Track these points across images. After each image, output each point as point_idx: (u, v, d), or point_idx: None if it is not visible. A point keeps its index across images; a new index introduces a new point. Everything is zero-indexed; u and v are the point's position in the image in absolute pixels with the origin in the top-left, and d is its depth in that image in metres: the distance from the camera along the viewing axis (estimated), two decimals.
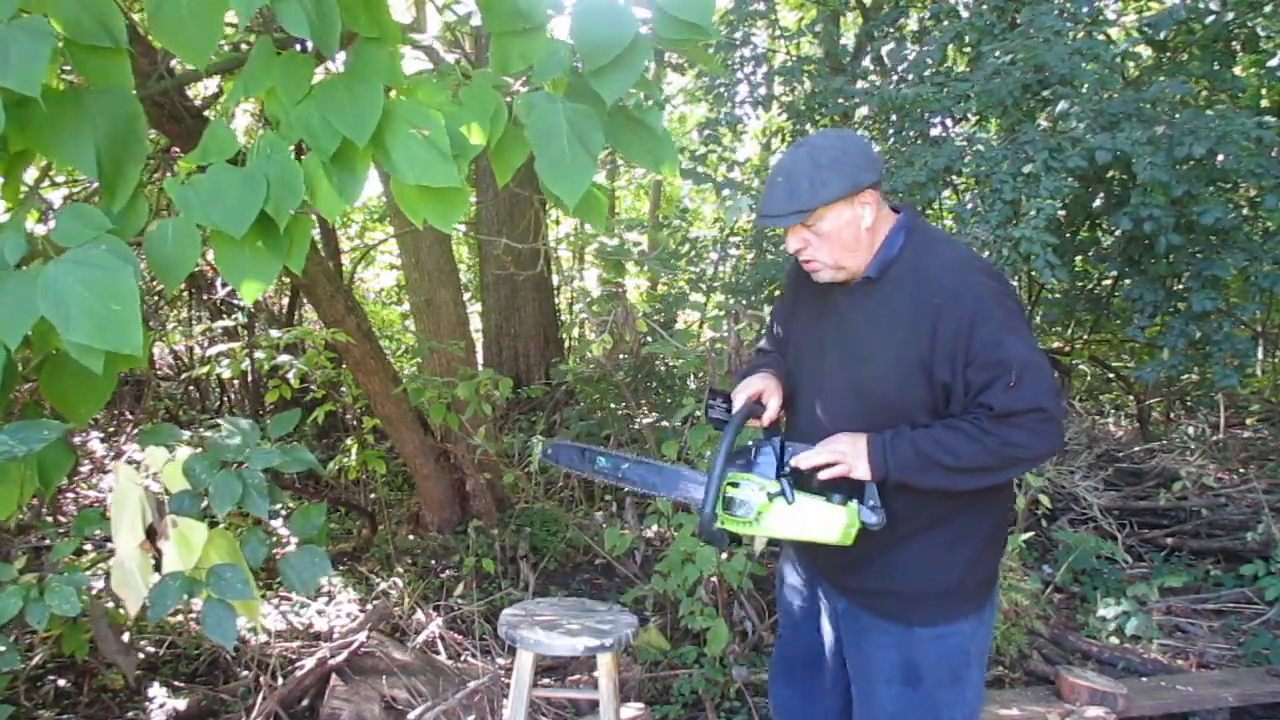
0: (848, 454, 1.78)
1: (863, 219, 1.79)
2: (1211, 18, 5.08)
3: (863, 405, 1.83)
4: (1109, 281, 6.42)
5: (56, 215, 1.69)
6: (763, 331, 2.31)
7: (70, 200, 4.58)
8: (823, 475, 1.80)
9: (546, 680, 3.55)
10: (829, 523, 1.77)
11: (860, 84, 5.77)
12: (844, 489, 1.79)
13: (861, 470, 1.77)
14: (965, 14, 5.45)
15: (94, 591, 2.95)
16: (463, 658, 3.68)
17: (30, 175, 2.65)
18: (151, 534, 1.93)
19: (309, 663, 3.31)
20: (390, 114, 1.76)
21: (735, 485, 1.83)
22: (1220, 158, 4.24)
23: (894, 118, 5.78)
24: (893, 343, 1.77)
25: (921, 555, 1.85)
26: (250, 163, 1.72)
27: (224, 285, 6.22)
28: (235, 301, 6.40)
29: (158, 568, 1.94)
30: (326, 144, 1.71)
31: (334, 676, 3.19)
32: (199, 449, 2.01)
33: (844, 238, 1.78)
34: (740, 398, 1.94)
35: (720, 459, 1.79)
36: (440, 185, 1.76)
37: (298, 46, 1.98)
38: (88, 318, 1.50)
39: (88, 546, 3.88)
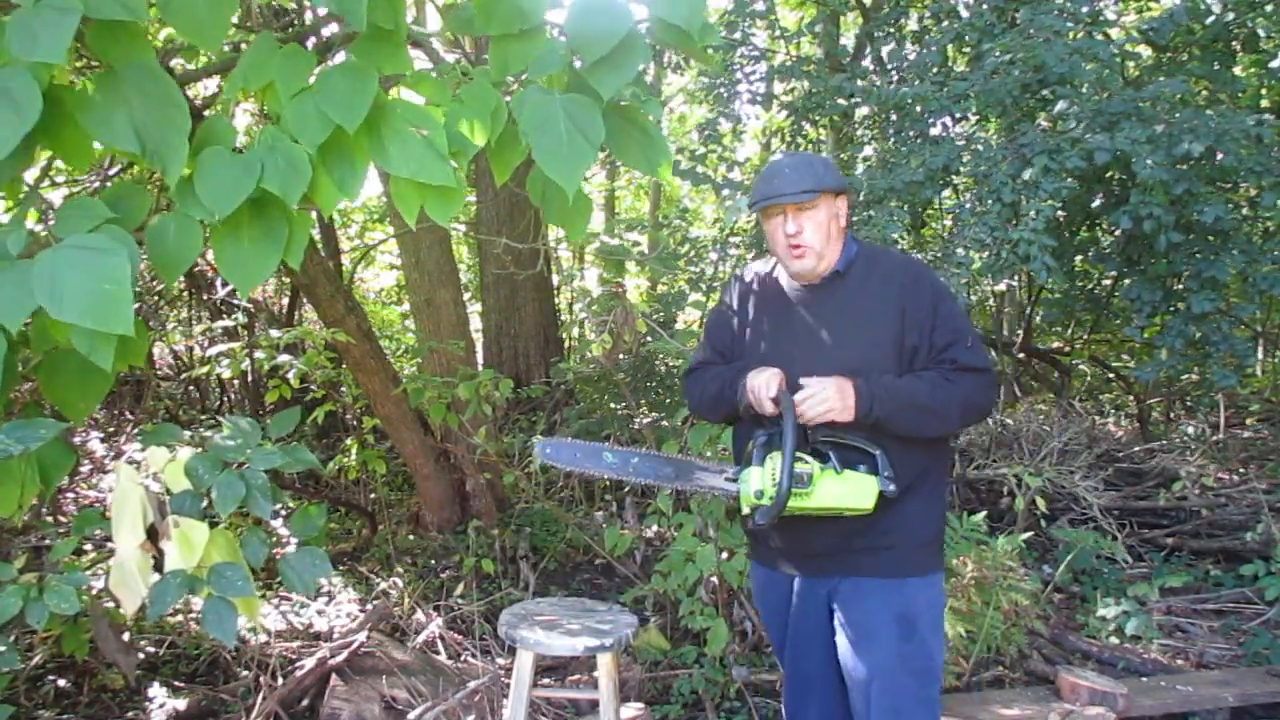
0: (835, 397, 2.00)
1: (839, 218, 2.14)
2: (1211, 18, 5.08)
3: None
4: (1109, 281, 6.42)
5: (58, 211, 1.69)
6: (697, 353, 2.40)
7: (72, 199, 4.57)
8: (810, 414, 1.99)
9: (546, 680, 3.55)
10: (865, 490, 1.98)
11: (860, 83, 5.77)
12: (863, 462, 2.01)
13: (846, 410, 2.00)
14: (965, 14, 5.45)
15: (94, 591, 2.95)
16: (463, 658, 3.67)
17: (30, 176, 2.64)
18: (152, 534, 1.92)
19: (309, 663, 3.31)
20: (388, 111, 1.75)
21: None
22: (1219, 155, 4.24)
23: (893, 117, 5.78)
24: (870, 324, 2.09)
25: (911, 509, 2.09)
26: (249, 153, 1.72)
27: (224, 285, 6.21)
28: (235, 301, 6.39)
29: (158, 568, 1.94)
30: (315, 135, 1.71)
31: (334, 676, 3.19)
32: (200, 449, 2.01)
33: (830, 230, 2.10)
34: (773, 385, 2.04)
35: (790, 441, 1.92)
36: (436, 183, 1.76)
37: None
38: (79, 297, 1.50)
39: (87, 546, 3.88)
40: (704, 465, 2.12)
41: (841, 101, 5.79)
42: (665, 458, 2.16)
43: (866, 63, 6.88)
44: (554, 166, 1.81)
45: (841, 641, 2.13)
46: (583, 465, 2.16)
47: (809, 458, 1.98)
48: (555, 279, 8.05)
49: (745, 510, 2.02)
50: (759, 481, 1.97)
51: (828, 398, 2.00)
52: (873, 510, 1.99)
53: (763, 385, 2.04)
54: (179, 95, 1.72)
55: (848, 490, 1.98)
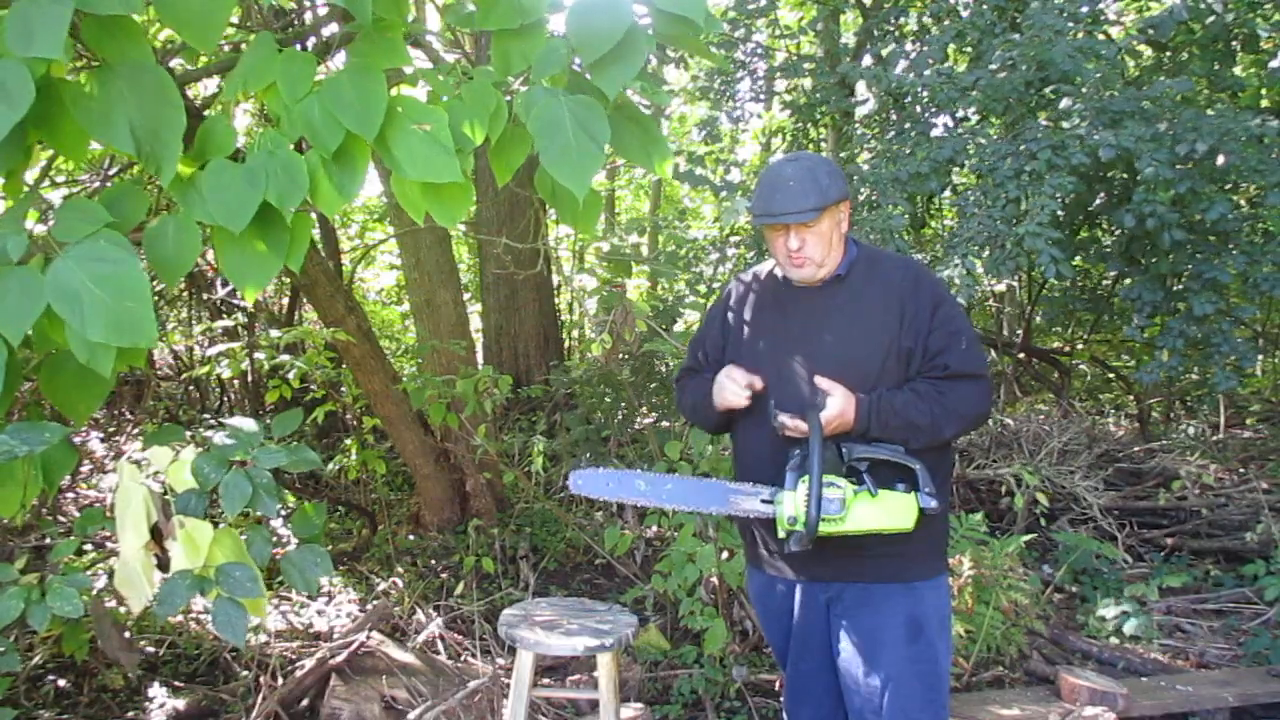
0: (848, 410, 2.00)
1: (841, 224, 2.12)
2: (1212, 18, 5.09)
3: (846, 382, 2.04)
4: (1109, 281, 6.42)
5: (56, 212, 1.69)
6: (685, 360, 2.40)
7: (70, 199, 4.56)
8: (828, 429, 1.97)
9: (546, 680, 3.55)
10: (904, 511, 1.94)
11: (863, 81, 5.74)
12: (903, 478, 1.96)
13: (845, 425, 1.99)
14: (965, 13, 5.45)
15: (94, 591, 2.95)
16: (463, 658, 3.67)
17: (30, 176, 2.63)
18: (156, 533, 1.93)
19: (309, 663, 3.31)
20: (392, 110, 1.75)
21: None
22: (1221, 158, 4.24)
23: (893, 117, 5.77)
24: (870, 326, 2.09)
25: None
26: (250, 159, 1.72)
27: (224, 285, 6.21)
28: (235, 301, 6.39)
29: (161, 567, 1.94)
30: (329, 140, 1.70)
31: (334, 676, 3.19)
32: (202, 449, 2.01)
33: (832, 238, 2.08)
34: (735, 375, 2.05)
35: (816, 467, 1.88)
36: (443, 181, 1.75)
37: (298, 46, 1.98)
38: (103, 314, 1.50)
39: (87, 546, 3.87)
40: (738, 488, 2.06)
41: (849, 99, 5.77)
42: (699, 481, 2.10)
43: (866, 61, 6.88)
44: (563, 171, 1.80)
45: (847, 649, 2.10)
46: (616, 495, 2.10)
47: (841, 481, 1.92)
48: (555, 279, 8.04)
49: (781, 534, 1.97)
50: (791, 507, 1.91)
51: (841, 411, 1.97)
52: (914, 528, 1.95)
53: (730, 383, 2.04)
54: (176, 95, 1.70)
55: (884, 512, 1.93)
